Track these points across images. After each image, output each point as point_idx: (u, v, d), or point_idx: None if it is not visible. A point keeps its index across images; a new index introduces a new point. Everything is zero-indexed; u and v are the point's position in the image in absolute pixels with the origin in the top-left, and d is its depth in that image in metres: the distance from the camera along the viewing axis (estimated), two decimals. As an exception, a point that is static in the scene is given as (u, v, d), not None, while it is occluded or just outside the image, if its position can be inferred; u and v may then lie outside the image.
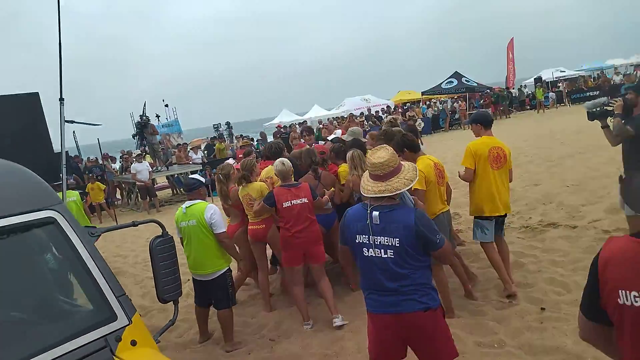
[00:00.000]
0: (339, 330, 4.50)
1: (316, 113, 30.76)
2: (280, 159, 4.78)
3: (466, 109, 25.07)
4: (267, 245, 5.31)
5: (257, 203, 4.82)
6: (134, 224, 2.39)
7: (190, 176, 5.38)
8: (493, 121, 5.05)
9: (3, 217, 1.86)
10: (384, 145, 2.82)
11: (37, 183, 2.11)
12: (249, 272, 5.55)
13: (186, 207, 4.48)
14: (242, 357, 4.35)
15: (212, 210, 4.40)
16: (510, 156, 4.79)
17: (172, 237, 2.30)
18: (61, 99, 3.60)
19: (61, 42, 3.37)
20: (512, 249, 5.87)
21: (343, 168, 5.30)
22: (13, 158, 2.18)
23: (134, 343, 1.93)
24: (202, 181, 4.79)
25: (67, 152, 11.21)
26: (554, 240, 5.99)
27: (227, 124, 27.94)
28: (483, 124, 4.83)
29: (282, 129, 19.83)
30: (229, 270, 4.57)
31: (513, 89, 29.93)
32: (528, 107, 28.48)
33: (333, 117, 24.85)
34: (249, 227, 5.14)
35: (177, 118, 24.34)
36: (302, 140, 7.30)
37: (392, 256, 2.54)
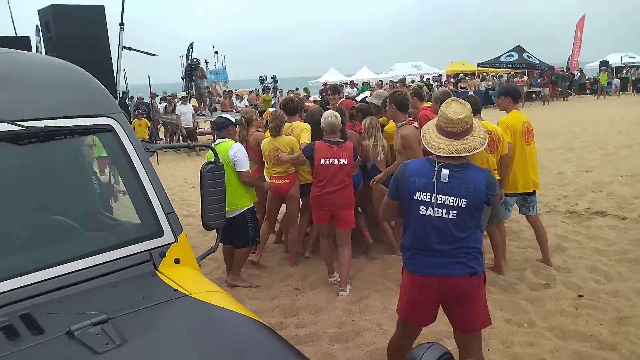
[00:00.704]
0: (365, 289, 4.50)
1: (364, 75, 30.21)
2: (331, 111, 4.62)
3: (525, 85, 23.80)
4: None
5: (294, 154, 4.73)
6: (189, 146, 2.40)
7: (221, 115, 5.27)
8: (521, 96, 4.94)
9: (62, 118, 1.85)
10: (455, 98, 2.61)
11: (100, 89, 2.09)
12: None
13: (214, 145, 4.41)
14: (266, 301, 4.41)
15: (236, 149, 4.37)
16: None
17: (223, 165, 2.28)
18: (122, 24, 3.61)
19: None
20: (555, 232, 5.69)
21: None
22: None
23: (177, 261, 1.95)
24: (232, 120, 4.72)
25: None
26: (601, 228, 5.75)
27: (273, 77, 27.84)
28: (513, 97, 4.75)
29: (326, 87, 19.57)
30: (250, 209, 4.53)
31: (576, 70, 28.30)
32: (588, 92, 26.98)
33: (380, 80, 24.31)
34: (273, 181, 4.99)
35: (224, 66, 24.42)
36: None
37: (454, 217, 2.43)
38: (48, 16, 3.00)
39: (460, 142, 2.42)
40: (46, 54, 3.09)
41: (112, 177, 2.28)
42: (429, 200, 2.45)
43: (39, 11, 3.11)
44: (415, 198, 2.48)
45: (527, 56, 25.68)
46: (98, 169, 2.56)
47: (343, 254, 4.49)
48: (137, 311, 1.58)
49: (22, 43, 3.22)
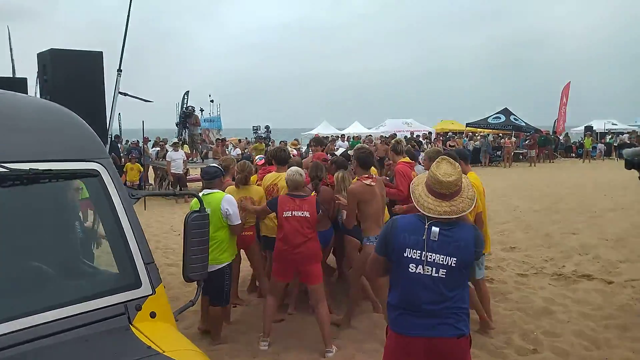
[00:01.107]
0: (351, 349, 4.35)
1: (356, 129, 30.71)
2: (296, 167, 4.55)
3: (513, 146, 24.35)
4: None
5: (259, 204, 4.76)
6: (175, 194, 2.38)
7: (212, 164, 5.22)
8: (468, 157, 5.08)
9: (48, 161, 1.82)
10: (444, 157, 2.61)
11: (89, 133, 2.06)
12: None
13: (202, 195, 4.22)
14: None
15: (229, 201, 4.34)
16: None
17: (208, 214, 2.24)
18: (119, 70, 3.68)
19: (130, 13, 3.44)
20: (542, 294, 5.64)
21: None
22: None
23: (153, 315, 1.87)
24: (222, 170, 4.70)
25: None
26: (587, 292, 5.69)
27: (267, 127, 28.26)
28: (463, 159, 4.74)
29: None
30: (228, 267, 4.41)
31: (562, 134, 29.15)
32: (573, 155, 27.67)
33: (370, 135, 24.77)
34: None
35: (219, 114, 24.82)
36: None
37: (444, 276, 2.39)
38: (46, 59, 3.05)
39: (448, 204, 2.42)
40: (40, 96, 3.11)
41: (95, 221, 2.23)
42: (418, 257, 2.41)
43: (38, 54, 3.17)
44: (405, 255, 2.44)
45: (514, 119, 26.53)
46: (81, 212, 2.51)
47: (319, 313, 4.29)
48: None
49: (17, 84, 3.26)
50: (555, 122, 30.73)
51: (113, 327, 1.75)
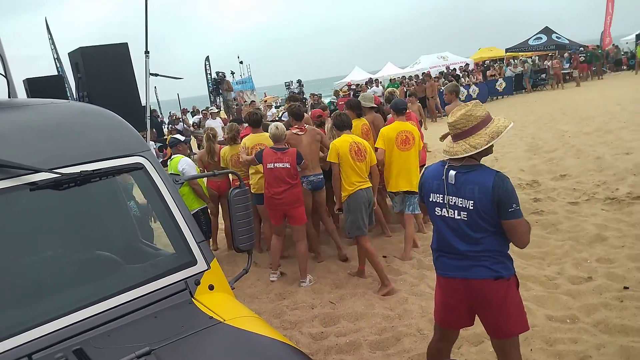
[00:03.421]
0: (403, 293, 4.52)
1: (389, 71, 29.88)
2: (275, 123, 5.15)
3: (560, 67, 22.59)
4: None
5: (248, 156, 5.37)
6: (214, 174, 2.52)
7: (172, 136, 6.43)
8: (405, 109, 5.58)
9: (95, 161, 1.99)
10: (468, 103, 2.63)
11: (128, 130, 2.23)
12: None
13: (169, 161, 5.63)
14: (305, 311, 4.46)
15: (184, 162, 5.41)
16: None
17: (248, 189, 2.38)
18: (146, 52, 3.80)
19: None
20: (594, 221, 5.54)
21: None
22: (105, 106, 2.33)
23: (211, 287, 2.05)
24: (180, 140, 5.90)
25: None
26: (644, 214, 5.54)
27: (299, 81, 28.07)
28: (395, 111, 5.41)
29: (352, 87, 19.51)
30: (200, 210, 5.49)
31: (610, 45, 27.07)
32: (625, 67, 25.81)
33: (403, 76, 24.09)
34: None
35: (250, 75, 24.79)
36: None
37: (466, 218, 2.45)
38: (77, 58, 3.21)
39: (457, 144, 2.47)
40: (77, 92, 3.29)
41: (148, 209, 2.41)
42: (441, 201, 2.54)
43: (69, 54, 3.32)
44: (431, 199, 2.60)
45: (557, 37, 24.81)
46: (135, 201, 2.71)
47: (298, 249, 5.06)
48: (177, 341, 1.68)
49: (55, 81, 3.43)
50: (602, 34, 28.54)
51: (177, 302, 1.94)
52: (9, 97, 2.80)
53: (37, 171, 1.82)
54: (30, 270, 1.92)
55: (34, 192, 1.82)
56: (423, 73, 22.30)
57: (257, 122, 5.75)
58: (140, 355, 1.55)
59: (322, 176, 5.41)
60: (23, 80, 3.32)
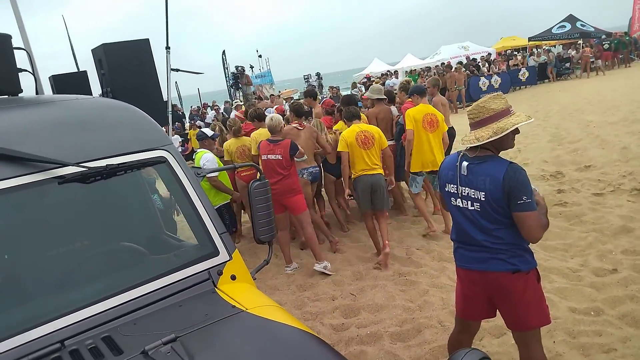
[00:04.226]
0: (424, 285, 4.51)
1: (409, 62, 29.57)
2: (270, 114, 5.36)
3: (589, 55, 21.81)
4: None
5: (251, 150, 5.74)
6: (235, 167, 2.56)
7: (201, 130, 6.39)
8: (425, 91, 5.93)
9: (120, 155, 2.04)
10: (489, 94, 2.61)
11: (150, 124, 2.28)
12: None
13: (194, 154, 5.64)
14: (326, 302, 4.50)
15: (206, 158, 5.38)
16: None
17: (268, 181, 2.41)
18: (167, 48, 3.86)
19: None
20: (620, 212, 5.43)
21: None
22: (128, 101, 2.39)
23: (233, 277, 2.09)
24: (207, 135, 5.86)
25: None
26: (672, 205, 5.41)
27: (317, 74, 28.05)
28: (419, 94, 5.71)
29: (370, 80, 19.36)
30: (223, 206, 5.45)
31: (639, 32, 26.22)
32: (653, 55, 25.00)
33: (421, 68, 23.82)
34: (242, 174, 5.91)
35: (269, 69, 24.87)
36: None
37: (479, 209, 2.44)
38: (100, 54, 3.27)
39: (471, 134, 2.46)
40: (101, 88, 3.37)
41: (171, 201, 2.47)
42: (455, 192, 2.54)
43: (92, 50, 3.40)
44: (446, 189, 2.62)
45: (581, 25, 24.13)
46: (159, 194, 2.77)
47: (306, 235, 5.24)
48: (201, 329, 1.73)
49: (79, 77, 3.52)
50: (630, 21, 27.65)
51: (201, 292, 1.99)
52: (37, 93, 2.88)
53: (64, 165, 1.88)
54: (59, 261, 1.99)
55: (62, 185, 1.88)
56: (442, 64, 22.03)
57: (261, 116, 6.12)
58: (167, 342, 1.60)
59: (318, 168, 5.89)
60: (49, 77, 3.42)
